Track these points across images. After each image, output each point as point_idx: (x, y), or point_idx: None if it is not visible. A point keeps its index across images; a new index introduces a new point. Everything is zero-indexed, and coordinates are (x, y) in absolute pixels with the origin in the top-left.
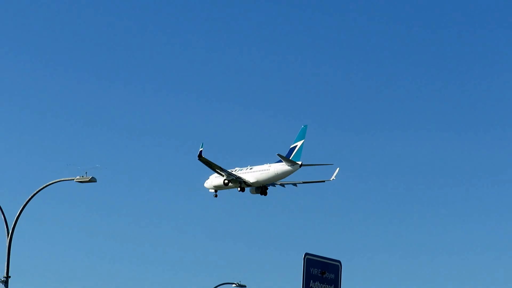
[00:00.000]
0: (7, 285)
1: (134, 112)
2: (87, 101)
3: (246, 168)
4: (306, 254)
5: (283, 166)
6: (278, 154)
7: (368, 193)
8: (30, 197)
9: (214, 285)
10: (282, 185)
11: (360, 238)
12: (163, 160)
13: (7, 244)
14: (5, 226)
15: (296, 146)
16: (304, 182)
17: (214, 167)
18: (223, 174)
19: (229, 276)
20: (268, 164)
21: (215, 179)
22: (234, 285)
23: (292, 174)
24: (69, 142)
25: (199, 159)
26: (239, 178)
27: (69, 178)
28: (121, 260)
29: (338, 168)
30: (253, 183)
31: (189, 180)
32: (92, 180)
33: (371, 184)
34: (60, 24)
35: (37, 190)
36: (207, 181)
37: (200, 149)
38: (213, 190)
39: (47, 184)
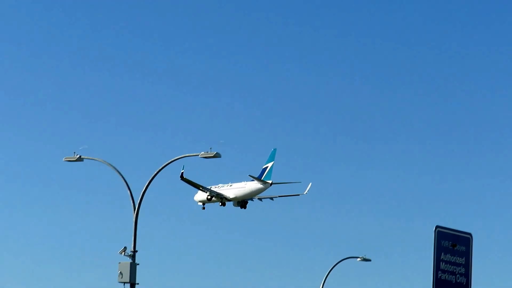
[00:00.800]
0: (135, 259)
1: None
2: (212, 68)
3: (227, 185)
4: (437, 227)
5: (256, 185)
6: (250, 175)
7: None
8: (156, 172)
9: (338, 259)
10: (260, 199)
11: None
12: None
13: (134, 219)
14: (131, 202)
15: (267, 167)
16: (280, 196)
17: (196, 186)
18: (205, 191)
19: (354, 250)
20: (245, 182)
21: (200, 195)
22: (359, 259)
23: (266, 191)
24: (195, 117)
25: (181, 179)
26: (220, 194)
27: (194, 154)
28: (250, 233)
29: (310, 183)
30: (232, 198)
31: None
32: (217, 155)
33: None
34: None
35: (163, 165)
36: (195, 195)
37: (182, 171)
38: (200, 203)
39: (173, 159)
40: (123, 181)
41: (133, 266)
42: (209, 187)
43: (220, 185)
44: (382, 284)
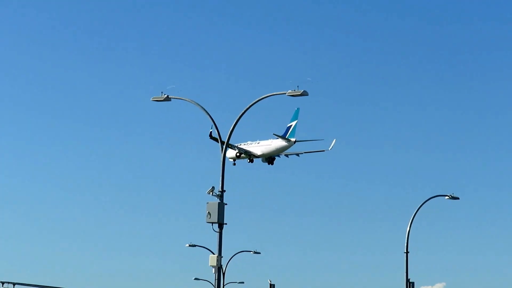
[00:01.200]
0: (222, 199)
1: None
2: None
3: (255, 142)
4: None
5: (281, 142)
6: (274, 134)
7: None
8: (243, 111)
9: (427, 197)
10: (286, 155)
11: None
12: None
13: (221, 159)
14: (219, 143)
15: (291, 125)
16: (305, 152)
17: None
18: (234, 148)
19: (442, 188)
20: (271, 140)
21: (230, 152)
22: (447, 197)
23: (291, 148)
24: (282, 56)
25: (210, 138)
26: (248, 151)
27: (281, 92)
28: (335, 175)
29: (334, 139)
30: (260, 155)
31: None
32: (304, 93)
33: None
34: None
35: (250, 104)
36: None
37: (210, 130)
38: (231, 160)
39: (260, 98)
40: (211, 120)
41: (221, 206)
42: (237, 145)
43: (249, 142)
44: (470, 222)
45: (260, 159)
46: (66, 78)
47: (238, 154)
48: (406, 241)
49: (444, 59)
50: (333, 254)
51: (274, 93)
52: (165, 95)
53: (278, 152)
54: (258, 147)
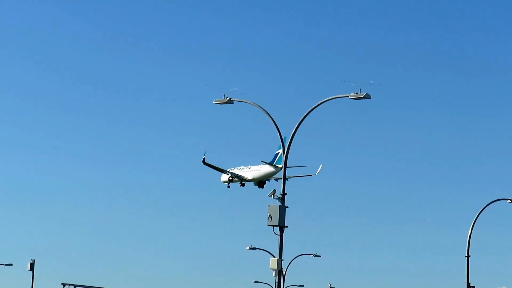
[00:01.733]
0: (284, 202)
1: None
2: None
3: (246, 167)
4: None
5: (269, 168)
6: (262, 161)
7: None
8: (305, 114)
9: (489, 201)
10: (276, 179)
11: None
12: None
13: (283, 162)
14: (280, 143)
15: (278, 153)
16: (294, 177)
17: (218, 169)
18: (226, 173)
19: (505, 192)
20: (260, 166)
21: (224, 176)
22: (508, 201)
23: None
24: (344, 59)
25: (203, 164)
26: (239, 175)
27: (343, 95)
28: (397, 179)
29: (321, 165)
30: (250, 179)
31: None
32: (366, 96)
33: None
34: None
35: (312, 107)
36: (221, 176)
37: (203, 157)
38: (225, 183)
39: (322, 101)
40: (273, 123)
41: (282, 209)
42: (229, 170)
43: (241, 167)
44: None
45: (251, 183)
46: (129, 80)
47: (230, 178)
48: (467, 244)
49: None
50: (393, 257)
51: (337, 96)
52: (228, 98)
53: (267, 177)
54: (249, 172)
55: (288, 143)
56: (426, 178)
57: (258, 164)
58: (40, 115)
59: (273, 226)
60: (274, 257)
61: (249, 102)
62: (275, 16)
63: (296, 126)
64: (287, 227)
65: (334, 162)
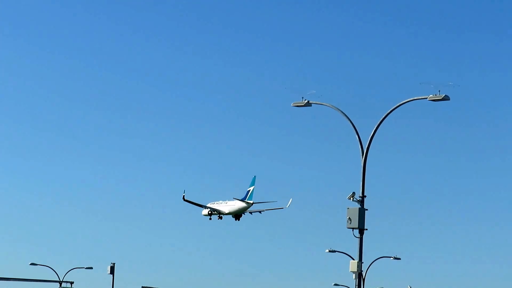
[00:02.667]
0: (363, 205)
1: None
2: None
3: (224, 202)
4: None
5: (242, 203)
6: (234, 198)
7: None
8: (384, 116)
9: None
10: (250, 212)
11: None
12: None
13: (362, 164)
14: (359, 147)
15: (249, 190)
16: (266, 210)
17: (197, 204)
18: (205, 208)
19: None
20: (235, 201)
21: (204, 211)
22: None
23: (252, 207)
24: (423, 60)
25: (184, 200)
26: (216, 209)
27: (422, 97)
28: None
29: (291, 199)
30: (227, 213)
31: None
32: (445, 98)
33: None
34: None
35: (391, 109)
36: (202, 211)
37: (183, 194)
38: (207, 216)
39: (400, 103)
40: (351, 126)
41: (361, 212)
42: (208, 205)
43: (220, 201)
44: None
45: (229, 216)
46: (203, 80)
47: (209, 212)
48: None
49: None
50: (474, 261)
51: (415, 98)
52: (306, 101)
53: (241, 211)
54: (226, 206)
55: (367, 146)
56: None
57: (232, 200)
58: (125, 121)
59: (353, 228)
60: (353, 259)
61: (327, 104)
62: (353, 18)
63: (374, 128)
64: (366, 229)
65: (414, 165)
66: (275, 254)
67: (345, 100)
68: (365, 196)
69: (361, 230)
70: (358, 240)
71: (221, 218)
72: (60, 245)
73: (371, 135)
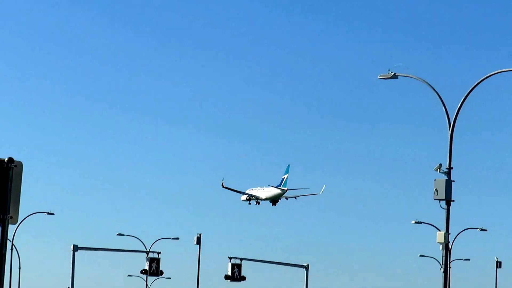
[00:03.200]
0: (450, 176)
1: None
2: None
3: (261, 188)
4: None
5: (277, 190)
6: (269, 185)
7: None
8: (471, 88)
9: None
10: (286, 198)
11: None
12: None
13: (449, 136)
14: (446, 119)
15: (284, 177)
16: (302, 195)
17: (236, 191)
18: (243, 194)
19: None
20: (271, 187)
21: (242, 196)
22: None
23: (287, 193)
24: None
25: (223, 187)
26: (254, 196)
27: (509, 69)
28: None
29: (324, 185)
30: (264, 198)
31: None
32: None
33: None
34: None
35: (478, 81)
36: (241, 196)
37: (222, 182)
38: (245, 201)
39: (488, 75)
40: (438, 98)
41: (448, 183)
42: (247, 191)
43: (259, 187)
44: None
45: (266, 201)
46: (287, 55)
47: (248, 198)
48: None
49: None
50: None
51: (503, 69)
52: (392, 73)
53: (277, 197)
54: (263, 193)
55: (454, 117)
56: None
57: (268, 186)
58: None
59: (440, 200)
60: (440, 231)
61: (413, 76)
62: None
63: (461, 100)
64: (453, 201)
65: (500, 136)
66: (362, 226)
67: (432, 72)
68: (452, 168)
69: (448, 201)
70: (445, 211)
71: (258, 203)
72: (147, 216)
73: (458, 107)
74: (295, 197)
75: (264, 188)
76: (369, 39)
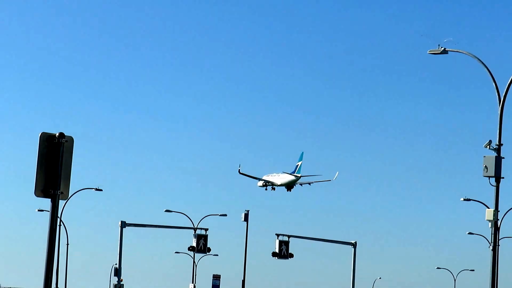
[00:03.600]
0: (500, 153)
1: None
2: None
3: (276, 174)
4: None
5: (291, 176)
6: (283, 172)
7: None
8: None
9: None
10: (300, 184)
11: None
12: None
13: (499, 112)
14: (496, 94)
15: (298, 164)
16: (315, 181)
17: (252, 177)
18: (259, 180)
19: None
20: (286, 174)
21: (259, 182)
22: None
23: (302, 179)
24: None
25: (240, 174)
26: (270, 182)
27: None
28: None
29: (337, 172)
30: (279, 184)
31: None
32: None
33: None
34: None
35: None
36: (257, 182)
37: (239, 168)
38: (262, 187)
39: None
40: (488, 73)
41: (498, 160)
42: (263, 177)
43: (274, 173)
44: None
45: (281, 187)
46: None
47: (264, 184)
48: None
49: None
50: None
51: None
52: (442, 48)
53: (292, 183)
54: (279, 179)
55: (504, 93)
56: None
57: (283, 173)
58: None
59: (489, 177)
60: (489, 208)
61: (464, 52)
62: None
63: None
64: (503, 178)
65: None
66: (411, 204)
67: (482, 47)
68: (502, 144)
69: (498, 178)
70: (494, 188)
71: (274, 189)
72: (194, 192)
73: (509, 82)
74: (309, 183)
75: (279, 174)
76: (418, 14)
